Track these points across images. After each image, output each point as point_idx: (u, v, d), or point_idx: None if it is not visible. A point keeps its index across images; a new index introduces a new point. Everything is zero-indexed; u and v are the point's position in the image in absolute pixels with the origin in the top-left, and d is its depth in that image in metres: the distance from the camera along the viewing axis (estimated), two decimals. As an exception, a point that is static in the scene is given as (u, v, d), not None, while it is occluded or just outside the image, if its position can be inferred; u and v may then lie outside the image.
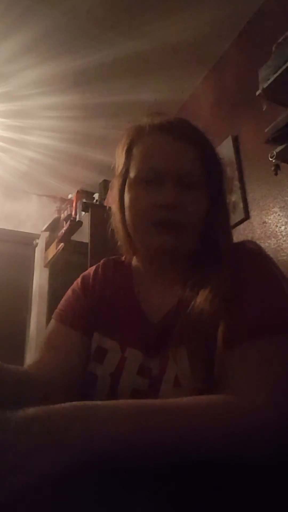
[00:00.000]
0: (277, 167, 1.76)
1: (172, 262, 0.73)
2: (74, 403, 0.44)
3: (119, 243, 0.79)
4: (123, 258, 0.84)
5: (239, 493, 0.43)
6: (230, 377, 0.55)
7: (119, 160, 0.75)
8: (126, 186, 0.73)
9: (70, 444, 0.39)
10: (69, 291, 0.82)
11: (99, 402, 0.45)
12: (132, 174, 0.72)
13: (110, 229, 0.79)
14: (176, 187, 0.67)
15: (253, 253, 0.68)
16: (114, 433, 0.42)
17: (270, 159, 1.73)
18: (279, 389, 0.51)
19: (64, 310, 0.78)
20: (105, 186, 3.44)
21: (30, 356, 3.43)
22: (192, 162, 0.69)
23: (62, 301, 0.80)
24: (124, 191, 0.73)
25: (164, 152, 0.70)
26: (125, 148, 0.74)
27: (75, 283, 0.83)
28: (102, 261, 0.85)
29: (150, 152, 0.71)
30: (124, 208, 0.73)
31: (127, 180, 0.73)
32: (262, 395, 0.51)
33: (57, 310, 0.79)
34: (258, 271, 0.64)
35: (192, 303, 0.63)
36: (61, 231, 3.46)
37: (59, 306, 0.80)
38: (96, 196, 3.53)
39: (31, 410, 0.40)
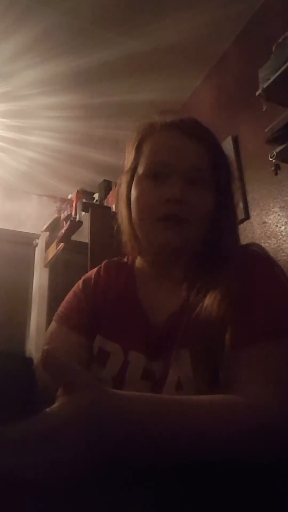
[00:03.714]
0: (277, 167, 1.76)
1: (177, 261, 0.72)
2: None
3: (124, 240, 0.78)
4: (125, 259, 0.84)
5: (245, 492, 0.43)
6: (237, 378, 0.55)
7: (129, 157, 0.75)
8: (134, 182, 0.73)
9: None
10: (70, 293, 0.81)
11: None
12: (140, 169, 0.72)
13: (116, 226, 0.79)
14: (183, 183, 0.67)
15: (258, 257, 0.68)
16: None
17: (270, 159, 1.74)
18: (285, 391, 0.51)
19: (65, 312, 0.77)
20: (105, 186, 3.44)
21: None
22: (200, 159, 0.69)
23: (63, 303, 0.80)
24: (131, 187, 0.73)
25: (173, 147, 0.70)
26: (135, 144, 0.74)
27: (76, 285, 0.82)
28: (104, 262, 0.84)
29: (159, 147, 0.71)
30: (131, 204, 0.73)
31: (135, 176, 0.73)
32: (270, 396, 0.51)
33: (57, 312, 0.78)
34: (264, 275, 0.64)
35: (200, 305, 0.62)
36: (61, 231, 3.46)
37: (60, 308, 0.79)
38: (96, 196, 3.53)
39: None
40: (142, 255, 0.79)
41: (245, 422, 0.48)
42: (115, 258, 0.85)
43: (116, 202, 0.81)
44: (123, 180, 0.76)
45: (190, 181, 0.68)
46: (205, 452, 0.45)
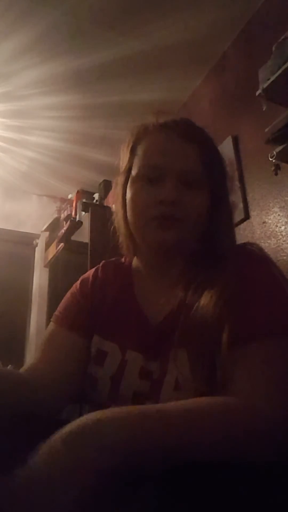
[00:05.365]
0: (277, 167, 1.76)
1: (172, 260, 0.73)
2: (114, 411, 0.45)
3: (120, 240, 0.79)
4: (123, 259, 0.84)
5: (239, 494, 0.43)
6: (233, 378, 0.55)
7: (123, 158, 0.76)
8: (128, 183, 0.73)
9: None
10: (68, 294, 0.81)
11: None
12: (134, 171, 0.72)
13: (112, 228, 0.79)
14: (176, 184, 0.68)
15: (255, 256, 0.68)
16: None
17: (270, 159, 1.73)
18: (280, 391, 0.51)
19: (63, 312, 0.78)
20: (105, 186, 3.44)
21: (30, 356, 3.43)
22: (194, 160, 0.69)
23: (61, 304, 0.80)
24: (126, 188, 0.74)
25: (167, 149, 0.70)
26: (129, 146, 0.75)
27: (73, 286, 0.82)
28: (101, 263, 0.85)
29: (152, 149, 0.71)
30: (126, 206, 0.73)
31: (130, 177, 0.73)
32: (262, 396, 0.51)
33: (55, 313, 0.79)
34: (261, 274, 0.64)
35: (196, 305, 0.62)
36: (61, 231, 3.46)
37: (58, 309, 0.79)
38: (96, 196, 3.53)
39: (80, 421, 0.43)
40: (138, 255, 0.79)
41: (238, 425, 0.48)
42: (112, 259, 0.85)
43: (113, 203, 0.81)
44: (118, 181, 0.76)
45: (184, 182, 0.68)
46: (198, 457, 0.45)
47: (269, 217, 1.92)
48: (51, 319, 0.78)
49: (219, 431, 0.47)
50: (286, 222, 1.82)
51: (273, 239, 1.87)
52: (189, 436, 0.46)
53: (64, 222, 3.49)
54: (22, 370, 0.72)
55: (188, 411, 0.48)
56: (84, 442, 0.41)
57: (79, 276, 0.85)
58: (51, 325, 0.77)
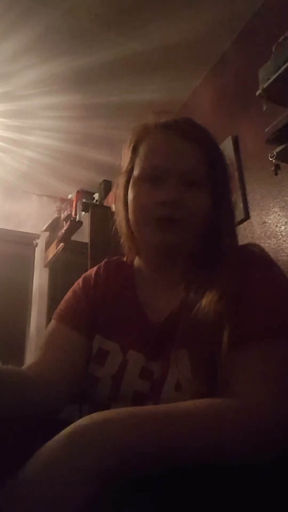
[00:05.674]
0: (277, 167, 1.76)
1: (174, 261, 0.72)
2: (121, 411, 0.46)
3: (121, 241, 0.78)
4: (124, 258, 0.84)
5: (240, 496, 0.43)
6: (232, 379, 0.55)
7: (125, 158, 0.76)
8: (130, 184, 0.73)
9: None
10: (70, 292, 0.81)
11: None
12: (136, 171, 0.72)
13: (113, 227, 0.79)
14: (178, 185, 0.67)
15: (257, 257, 0.68)
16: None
17: (270, 159, 1.73)
18: (281, 392, 0.51)
19: (65, 310, 0.77)
20: (105, 186, 3.45)
21: (30, 356, 3.43)
22: (195, 160, 0.69)
23: (63, 302, 0.80)
24: (128, 188, 0.73)
25: (168, 150, 0.70)
26: (131, 146, 0.75)
27: (76, 283, 0.82)
28: (103, 261, 0.84)
29: (154, 150, 0.71)
30: (128, 206, 0.73)
31: (131, 178, 0.73)
32: (263, 397, 0.51)
33: (57, 310, 0.78)
34: (263, 275, 0.64)
35: (198, 305, 0.62)
36: (61, 231, 3.46)
37: (60, 306, 0.79)
38: (96, 196, 3.53)
39: (83, 421, 0.44)
40: (139, 255, 0.79)
41: (239, 426, 0.48)
42: (114, 258, 0.85)
43: (114, 203, 0.81)
44: (120, 181, 0.76)
45: (186, 182, 0.68)
46: (199, 458, 0.45)
47: (269, 217, 1.92)
48: (53, 317, 0.78)
49: (220, 433, 0.47)
50: (286, 222, 1.82)
51: (273, 239, 1.87)
52: (190, 438, 0.45)
53: (64, 222, 3.49)
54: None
55: (189, 413, 0.48)
56: (86, 443, 0.41)
57: (79, 276, 0.84)
58: (53, 322, 0.77)
